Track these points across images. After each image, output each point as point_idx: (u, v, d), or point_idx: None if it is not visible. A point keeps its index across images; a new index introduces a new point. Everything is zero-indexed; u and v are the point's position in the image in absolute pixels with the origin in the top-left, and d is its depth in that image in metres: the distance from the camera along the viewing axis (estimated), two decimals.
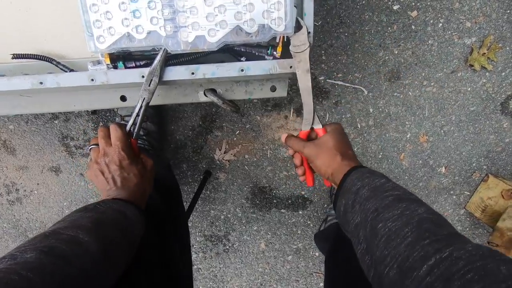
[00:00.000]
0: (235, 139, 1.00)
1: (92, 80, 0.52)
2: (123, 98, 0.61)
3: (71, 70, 0.55)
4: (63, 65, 0.58)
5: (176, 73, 0.52)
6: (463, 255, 0.28)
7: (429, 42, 0.92)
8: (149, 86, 0.52)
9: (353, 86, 0.95)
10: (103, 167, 0.54)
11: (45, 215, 1.06)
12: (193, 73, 0.52)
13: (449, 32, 0.91)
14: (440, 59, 0.93)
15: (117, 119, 0.91)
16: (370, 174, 0.46)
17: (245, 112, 0.97)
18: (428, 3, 0.89)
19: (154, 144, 0.86)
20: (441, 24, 0.90)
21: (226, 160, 1.02)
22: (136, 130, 0.56)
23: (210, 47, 0.48)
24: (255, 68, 0.52)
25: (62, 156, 0.98)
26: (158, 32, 0.47)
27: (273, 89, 0.62)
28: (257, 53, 0.52)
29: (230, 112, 0.56)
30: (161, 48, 0.49)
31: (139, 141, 0.82)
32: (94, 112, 0.92)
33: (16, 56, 0.57)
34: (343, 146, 0.54)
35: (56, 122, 0.94)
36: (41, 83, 0.51)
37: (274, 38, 0.50)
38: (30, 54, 0.57)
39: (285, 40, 0.50)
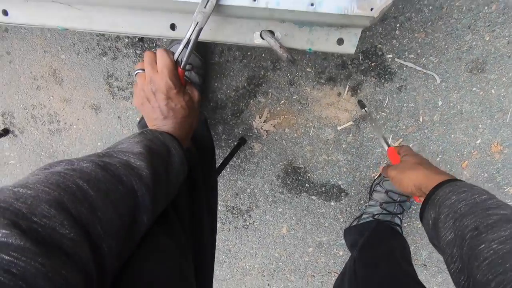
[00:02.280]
0: (278, 109, 0.92)
1: None
2: (172, 27, 0.56)
3: None
4: None
5: None
6: None
7: None
8: (204, 7, 0.46)
9: (425, 71, 0.82)
10: (149, 95, 0.51)
11: (79, 152, 1.07)
12: (254, 0, 0.45)
13: None
14: None
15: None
16: (469, 188, 0.42)
17: (295, 80, 0.88)
18: None
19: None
20: None
21: (264, 130, 0.95)
22: (185, 59, 0.51)
23: None
24: (328, 3, 0.44)
25: (104, 95, 0.97)
26: None
27: (340, 42, 0.53)
28: None
29: (285, 60, 0.49)
30: None
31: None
32: (140, 39, 0.89)
33: None
34: (426, 162, 0.56)
35: (104, 59, 0.93)
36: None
37: None
38: None
39: None
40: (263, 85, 0.90)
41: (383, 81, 0.85)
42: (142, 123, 0.77)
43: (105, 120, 1.01)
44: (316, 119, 0.92)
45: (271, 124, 0.94)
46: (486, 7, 0.76)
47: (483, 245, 0.32)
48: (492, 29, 0.77)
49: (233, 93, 0.92)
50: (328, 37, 0.53)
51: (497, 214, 0.35)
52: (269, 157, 0.99)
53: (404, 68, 0.83)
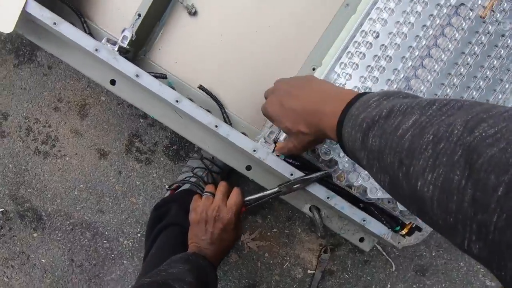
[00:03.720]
0: (268, 234, 1.02)
1: (254, 150, 0.57)
2: (248, 168, 0.66)
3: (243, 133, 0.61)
4: (227, 116, 0.64)
5: (318, 190, 0.58)
6: None
7: (461, 264, 1.03)
8: (293, 186, 0.58)
9: (387, 258, 1.03)
10: (210, 219, 0.56)
11: (54, 185, 0.98)
12: (328, 198, 0.59)
13: (479, 266, 1.03)
14: (462, 282, 1.03)
15: (195, 159, 0.93)
16: (364, 111, 0.33)
17: (293, 218, 1.01)
18: None
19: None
20: None
21: (248, 245, 1.01)
22: (251, 204, 0.60)
23: (362, 196, 0.56)
24: (375, 225, 0.59)
25: (119, 147, 0.97)
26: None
27: (362, 240, 0.68)
28: (383, 220, 0.59)
29: (319, 233, 0.61)
30: (326, 171, 0.56)
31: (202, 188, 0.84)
32: (181, 147, 0.96)
33: (201, 88, 0.64)
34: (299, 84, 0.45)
35: (141, 120, 0.96)
36: (216, 126, 0.57)
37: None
38: (209, 92, 0.64)
39: (413, 226, 0.58)
40: (266, 209, 1.01)
41: (356, 251, 1.02)
42: (147, 261, 0.69)
43: (104, 168, 0.98)
44: (294, 256, 1.02)
45: (256, 244, 1.01)
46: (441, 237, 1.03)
47: (419, 183, 0.25)
48: (438, 250, 1.03)
49: None
50: (355, 233, 0.68)
51: (408, 129, 0.27)
52: (239, 271, 1.03)
53: (375, 248, 1.02)
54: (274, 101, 0.47)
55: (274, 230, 1.02)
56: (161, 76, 0.60)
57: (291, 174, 0.58)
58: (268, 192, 0.59)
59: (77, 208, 0.99)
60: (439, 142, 0.24)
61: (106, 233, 1.00)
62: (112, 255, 1.01)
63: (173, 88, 0.66)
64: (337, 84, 0.53)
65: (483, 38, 0.53)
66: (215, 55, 0.65)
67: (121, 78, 0.61)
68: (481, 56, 0.53)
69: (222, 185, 0.60)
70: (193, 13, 0.64)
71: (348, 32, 0.53)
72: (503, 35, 0.53)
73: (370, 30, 0.52)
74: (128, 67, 0.55)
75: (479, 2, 0.52)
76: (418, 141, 0.26)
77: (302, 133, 0.43)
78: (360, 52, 0.52)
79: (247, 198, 0.60)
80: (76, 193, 0.99)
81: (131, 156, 0.97)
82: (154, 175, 0.98)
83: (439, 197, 0.23)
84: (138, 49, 0.66)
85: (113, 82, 0.62)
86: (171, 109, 0.62)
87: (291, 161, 0.59)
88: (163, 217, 0.74)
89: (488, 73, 0.54)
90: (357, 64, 0.52)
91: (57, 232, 1.00)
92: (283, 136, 0.55)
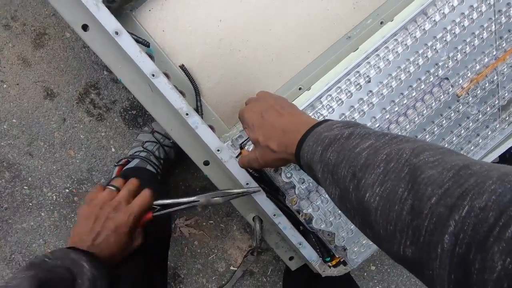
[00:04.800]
0: (204, 224, 1.01)
1: (218, 150, 0.56)
2: (206, 163, 0.64)
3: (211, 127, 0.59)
4: (201, 106, 0.61)
5: (267, 205, 0.59)
6: (489, 201, 0.20)
7: None
8: (212, 198, 0.54)
9: None
10: (101, 216, 0.47)
11: None
12: (274, 215, 0.60)
13: None
14: None
15: (146, 128, 0.88)
16: (328, 130, 0.36)
17: (231, 215, 1.02)
18: None
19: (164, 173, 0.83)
20: None
21: (180, 230, 1.00)
22: (160, 211, 0.51)
23: (306, 224, 0.58)
24: (308, 251, 0.62)
25: (70, 92, 0.87)
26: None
27: (291, 258, 0.71)
28: (318, 248, 0.63)
29: (254, 243, 0.61)
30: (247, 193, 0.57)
31: (153, 162, 0.79)
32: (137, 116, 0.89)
33: (182, 68, 0.60)
34: (270, 109, 0.45)
35: (105, 73, 0.87)
36: (187, 114, 0.54)
37: (339, 249, 0.62)
38: (189, 75, 0.60)
39: (341, 261, 0.62)
40: None
41: (280, 260, 1.07)
42: None
43: (47, 109, 0.87)
44: (222, 251, 1.04)
45: (189, 231, 1.00)
46: None
47: (367, 194, 0.28)
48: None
49: (183, 187, 0.98)
50: (288, 251, 0.70)
51: (365, 149, 0.30)
52: None
53: None
54: (255, 109, 0.46)
55: (211, 221, 1.01)
56: (143, 43, 0.54)
57: (247, 184, 0.58)
58: (183, 200, 0.52)
59: (2, 144, 0.87)
60: (390, 162, 0.28)
61: (30, 179, 0.91)
62: (30, 204, 0.92)
63: (152, 56, 0.61)
64: (318, 114, 0.54)
65: (452, 115, 0.58)
66: (207, 39, 0.61)
67: (97, 27, 0.54)
68: (445, 130, 0.58)
69: (131, 183, 0.51)
70: None
71: (344, 68, 0.53)
72: (468, 117, 0.59)
73: (364, 74, 0.53)
74: (109, 21, 0.49)
75: (460, 81, 0.57)
76: (373, 158, 0.29)
77: (270, 149, 0.42)
78: (349, 91, 0.53)
79: (157, 202, 0.51)
80: (5, 126, 0.87)
81: (82, 107, 0.88)
82: (103, 133, 0.91)
83: (383, 207, 0.26)
84: (125, 2, 0.59)
85: (85, 27, 0.55)
86: (144, 80, 0.57)
87: (251, 171, 0.58)
88: None
89: (445, 146, 0.59)
90: (342, 101, 0.53)
91: None
92: (251, 146, 0.54)
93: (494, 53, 0.56)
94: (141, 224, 0.50)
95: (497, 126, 0.61)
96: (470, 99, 0.58)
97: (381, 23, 0.60)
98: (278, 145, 0.41)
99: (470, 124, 0.59)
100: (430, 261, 0.22)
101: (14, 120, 0.87)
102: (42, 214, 0.93)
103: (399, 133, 0.56)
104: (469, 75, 0.57)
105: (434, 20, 0.54)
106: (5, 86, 0.85)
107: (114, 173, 0.83)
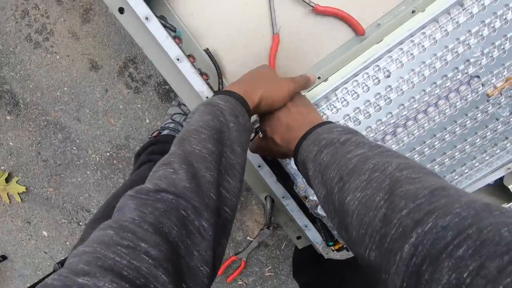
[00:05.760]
0: None
1: None
2: None
3: None
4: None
5: (277, 188, 0.62)
6: (451, 222, 0.21)
7: None
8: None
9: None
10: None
11: (38, 78, 0.97)
12: (283, 197, 0.63)
13: None
14: None
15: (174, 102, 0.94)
16: (328, 133, 0.38)
17: (250, 188, 1.07)
18: None
19: None
20: None
21: None
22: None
23: (312, 210, 0.61)
24: (313, 234, 0.65)
25: (112, 66, 0.95)
26: None
27: (299, 237, 0.75)
28: (322, 232, 0.66)
29: (264, 220, 0.66)
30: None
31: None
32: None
33: (206, 51, 0.62)
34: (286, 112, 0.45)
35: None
36: (207, 97, 0.57)
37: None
38: (213, 58, 0.63)
39: (344, 247, 0.65)
40: None
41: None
42: (118, 189, 0.68)
43: (92, 80, 0.97)
44: (240, 222, 1.11)
45: None
46: None
47: (349, 197, 0.30)
48: None
49: None
50: (296, 231, 0.75)
51: (356, 156, 0.32)
52: None
53: None
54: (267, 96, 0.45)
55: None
56: (171, 28, 0.58)
57: (259, 166, 0.62)
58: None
59: (56, 109, 1.00)
60: (375, 171, 0.30)
61: (78, 141, 1.03)
62: (78, 162, 1.05)
63: (180, 38, 0.64)
64: (331, 107, 0.54)
65: (479, 115, 0.55)
66: (233, 23, 0.63)
67: (131, 11, 0.58)
68: (469, 130, 0.55)
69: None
70: None
71: (365, 61, 0.52)
72: (497, 119, 0.55)
73: (384, 68, 0.52)
74: (140, 7, 0.53)
75: (494, 80, 0.53)
76: (361, 166, 0.31)
77: (274, 142, 0.45)
78: (366, 85, 0.53)
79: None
80: (58, 93, 0.98)
81: (122, 80, 0.96)
82: (139, 105, 0.99)
83: (360, 211, 0.29)
84: None
85: (121, 10, 0.60)
86: (171, 62, 0.61)
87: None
88: (155, 153, 0.75)
89: (467, 148, 0.56)
90: (358, 95, 0.53)
91: (30, 123, 1.01)
92: None
93: None
94: None
95: None
96: (502, 100, 0.54)
97: (413, 12, 0.57)
98: (281, 140, 0.44)
99: (499, 127, 0.55)
100: (388, 266, 0.24)
101: (65, 88, 0.98)
102: (88, 172, 1.06)
103: (415, 133, 0.55)
104: (505, 73, 0.52)
105: (471, 12, 0.50)
106: (58, 57, 0.95)
107: None
